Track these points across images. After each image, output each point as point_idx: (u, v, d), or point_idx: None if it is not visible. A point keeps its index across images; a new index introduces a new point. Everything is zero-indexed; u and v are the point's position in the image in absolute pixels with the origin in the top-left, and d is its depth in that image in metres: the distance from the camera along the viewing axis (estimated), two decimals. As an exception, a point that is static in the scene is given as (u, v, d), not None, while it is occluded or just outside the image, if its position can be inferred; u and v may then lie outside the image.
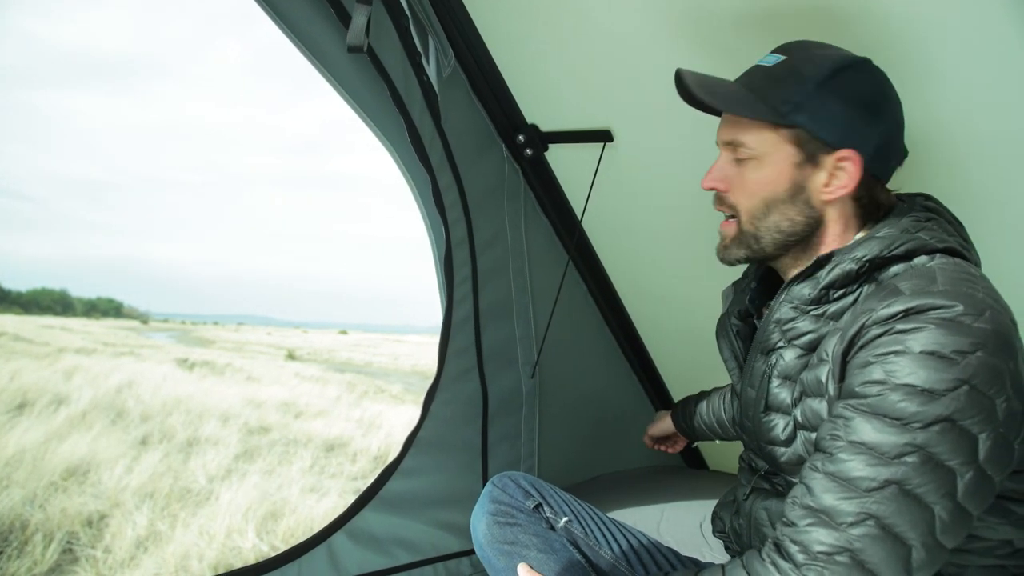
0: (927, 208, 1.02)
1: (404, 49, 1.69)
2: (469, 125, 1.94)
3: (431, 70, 1.74)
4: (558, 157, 2.03)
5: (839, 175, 0.99)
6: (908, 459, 0.80)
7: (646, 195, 1.95)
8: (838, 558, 0.80)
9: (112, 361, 11.32)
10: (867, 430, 0.83)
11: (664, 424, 1.83)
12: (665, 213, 1.94)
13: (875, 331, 0.86)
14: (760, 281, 1.20)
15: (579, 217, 2.05)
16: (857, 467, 0.82)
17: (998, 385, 0.81)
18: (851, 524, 0.81)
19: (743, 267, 1.33)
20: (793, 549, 0.84)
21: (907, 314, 0.84)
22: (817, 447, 0.89)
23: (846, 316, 0.95)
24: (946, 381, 0.80)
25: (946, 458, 0.80)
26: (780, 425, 1.03)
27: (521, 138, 1.97)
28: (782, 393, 1.03)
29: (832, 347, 0.93)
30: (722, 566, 0.93)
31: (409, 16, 1.66)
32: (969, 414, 0.80)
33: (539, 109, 1.94)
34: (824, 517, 0.83)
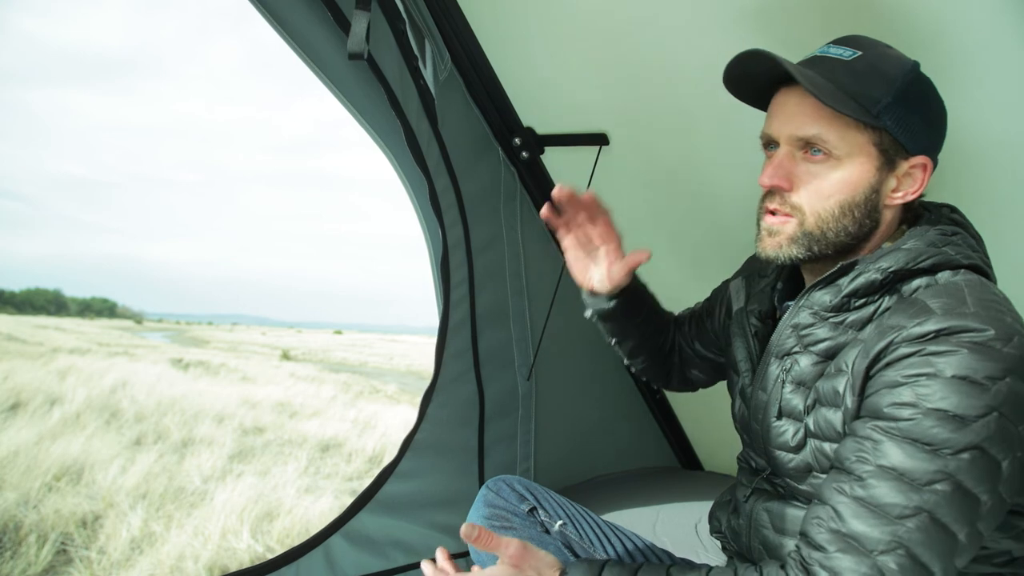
0: (953, 221, 1.00)
1: (401, 53, 1.69)
2: (465, 128, 1.94)
3: (428, 74, 1.74)
4: (554, 160, 2.04)
5: (908, 181, 0.97)
6: (938, 487, 0.80)
7: (642, 198, 1.95)
8: None
9: (106, 361, 11.29)
10: (898, 455, 0.82)
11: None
12: (660, 216, 1.95)
13: (905, 350, 0.85)
14: (786, 282, 1.16)
15: (575, 220, 2.06)
16: (888, 493, 0.82)
17: (1022, 411, 0.81)
18: (881, 552, 0.81)
19: (739, 262, 1.34)
20: (823, 575, 0.84)
21: (939, 335, 0.83)
22: (842, 467, 0.88)
23: (869, 329, 0.93)
24: (977, 408, 0.80)
25: (973, 485, 0.80)
26: (790, 431, 1.02)
27: (517, 141, 1.97)
28: (795, 399, 1.02)
29: (853, 359, 0.92)
30: (734, 570, 0.93)
31: (406, 20, 1.66)
32: (997, 441, 0.80)
33: (535, 112, 1.95)
34: (853, 543, 0.83)
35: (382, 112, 1.73)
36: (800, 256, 1.00)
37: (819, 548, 0.86)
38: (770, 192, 1.02)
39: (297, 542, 1.76)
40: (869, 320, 0.95)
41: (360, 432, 6.80)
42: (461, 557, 1.94)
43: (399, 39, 1.68)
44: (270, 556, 1.74)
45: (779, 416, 1.04)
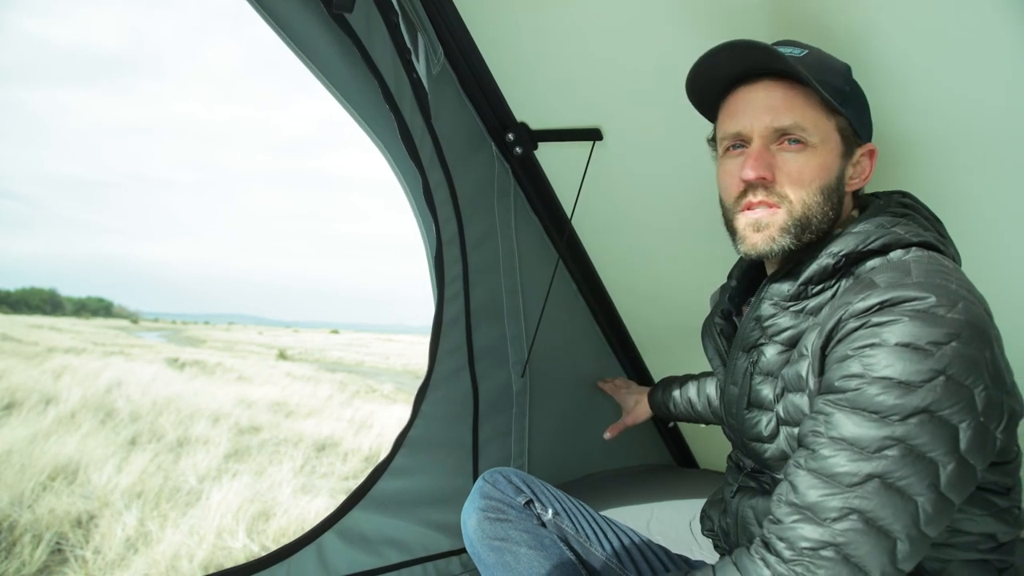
0: (903, 204, 1.04)
1: (394, 46, 1.68)
2: (459, 123, 1.93)
3: (421, 68, 1.74)
4: (548, 156, 2.03)
5: (859, 168, 1.04)
6: (889, 452, 0.81)
7: (636, 194, 1.95)
8: (823, 553, 0.81)
9: (101, 361, 11.28)
10: (847, 425, 0.84)
11: (641, 410, 1.97)
12: (655, 212, 1.94)
13: (851, 324, 0.87)
14: (739, 280, 1.22)
15: (569, 215, 2.05)
16: (839, 463, 0.83)
17: (975, 374, 0.82)
18: (835, 519, 0.81)
19: (734, 257, 1.34)
20: (780, 546, 0.84)
21: (882, 307, 0.86)
22: (800, 443, 0.90)
23: (824, 311, 0.96)
24: (922, 372, 0.81)
25: (927, 449, 0.81)
26: (763, 421, 1.04)
27: (511, 136, 1.97)
28: (764, 389, 1.04)
29: (811, 342, 0.95)
30: (712, 566, 0.93)
31: (399, 13, 1.65)
32: (947, 404, 0.81)
33: (529, 107, 1.94)
34: (808, 513, 0.83)
35: (376, 106, 1.73)
36: (790, 246, 1.02)
37: (777, 521, 0.87)
38: (748, 188, 1.02)
39: (291, 541, 1.75)
40: (826, 304, 0.98)
41: (356, 432, 6.80)
42: (456, 554, 1.94)
43: (392, 32, 1.67)
44: (264, 555, 1.73)
45: (748, 407, 1.06)
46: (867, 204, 1.06)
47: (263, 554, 1.70)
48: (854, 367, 0.85)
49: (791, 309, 1.01)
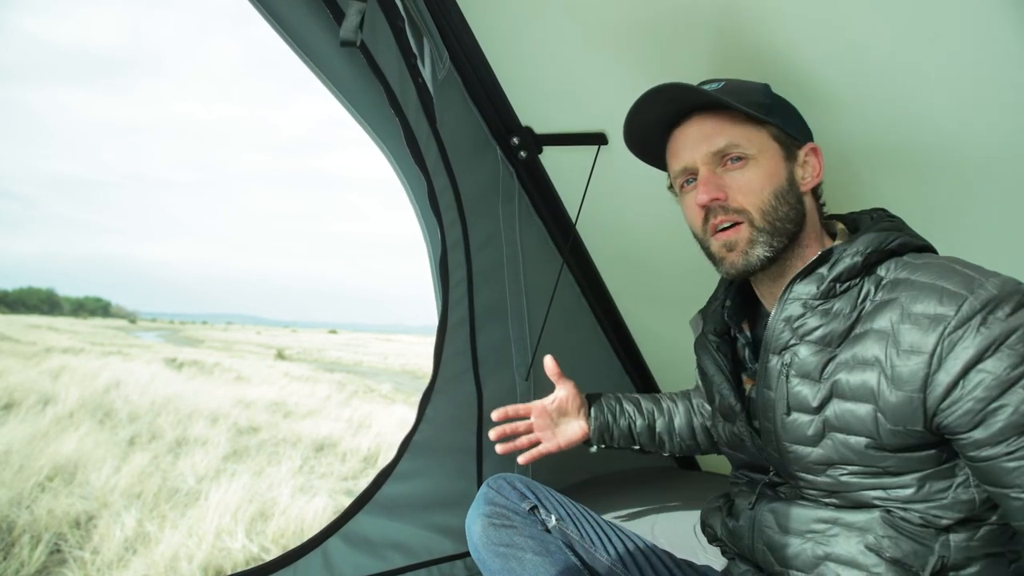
0: (891, 217, 1.10)
1: (400, 51, 1.68)
2: (464, 127, 1.94)
3: (426, 72, 1.74)
4: (552, 160, 2.03)
5: (808, 167, 1.10)
6: None
7: (640, 198, 1.95)
8: None
9: (100, 361, 11.25)
10: None
11: (571, 431, 1.64)
12: (659, 216, 1.94)
13: (965, 335, 0.89)
14: (733, 298, 1.25)
15: (573, 220, 2.05)
16: None
17: None
18: None
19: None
20: None
21: (986, 306, 0.89)
22: (996, 448, 0.89)
23: (881, 319, 0.97)
24: None
25: None
26: (806, 424, 1.03)
27: (515, 140, 1.97)
28: (804, 391, 1.03)
29: (885, 353, 0.95)
30: None
31: (405, 18, 1.65)
32: None
33: (534, 112, 1.94)
34: None
35: (381, 110, 1.73)
36: (767, 255, 1.07)
37: None
38: (708, 212, 1.09)
39: (292, 542, 1.75)
40: (856, 305, 1.00)
41: (355, 432, 6.79)
42: (461, 558, 1.94)
43: (398, 37, 1.67)
44: (265, 556, 1.73)
45: (789, 411, 1.06)
46: (856, 220, 1.12)
47: (262, 555, 1.69)
48: (1008, 359, 0.87)
49: (819, 308, 1.03)
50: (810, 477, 1.04)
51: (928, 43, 1.20)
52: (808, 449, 1.03)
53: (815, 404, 1.02)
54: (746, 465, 1.19)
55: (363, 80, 1.70)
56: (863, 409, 0.97)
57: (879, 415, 0.95)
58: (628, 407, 1.62)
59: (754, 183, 1.06)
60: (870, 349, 0.97)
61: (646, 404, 1.63)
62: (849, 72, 1.32)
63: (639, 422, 1.61)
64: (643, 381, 2.51)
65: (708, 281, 1.72)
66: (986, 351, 0.87)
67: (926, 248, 1.04)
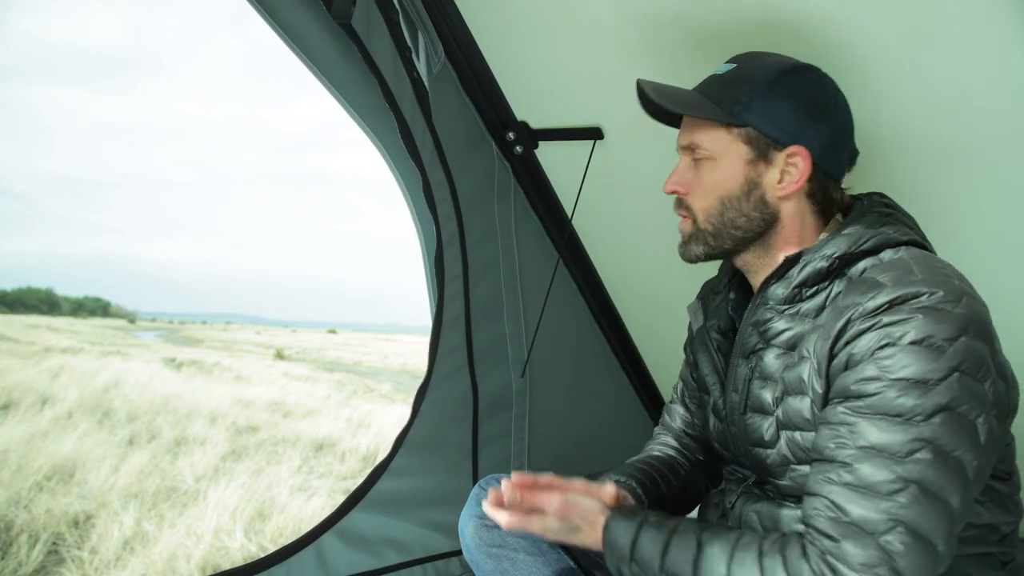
0: (885, 205, 1.05)
1: (395, 45, 1.68)
2: (459, 122, 1.93)
3: (421, 66, 1.73)
4: (548, 155, 2.02)
5: (790, 171, 1.02)
6: (919, 455, 0.81)
7: (636, 193, 1.94)
8: (879, 571, 0.80)
9: (99, 360, 11.26)
10: (872, 432, 0.83)
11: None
12: (655, 211, 1.93)
13: (861, 325, 0.88)
14: (737, 292, 1.21)
15: (569, 215, 2.05)
16: (873, 472, 0.82)
17: (984, 368, 0.84)
18: (883, 533, 0.81)
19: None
20: (840, 568, 0.83)
21: (891, 304, 0.86)
22: (823, 456, 0.89)
23: (825, 313, 0.96)
24: (938, 370, 0.82)
25: (952, 448, 0.81)
26: (763, 426, 1.03)
27: (511, 135, 1.96)
28: (764, 393, 1.03)
29: (814, 344, 0.94)
30: (759, 541, 0.91)
31: (399, 11, 1.65)
32: (964, 400, 0.82)
33: (529, 106, 1.93)
34: (855, 529, 0.82)
35: (376, 106, 1.72)
36: (701, 253, 1.10)
37: (824, 537, 0.85)
38: (676, 199, 1.12)
39: (291, 542, 1.74)
40: (823, 306, 0.97)
41: (354, 431, 6.80)
42: (456, 555, 1.93)
43: (392, 31, 1.67)
44: (263, 556, 1.73)
45: (748, 411, 1.06)
46: (851, 206, 1.08)
47: (261, 554, 1.69)
48: (870, 370, 0.85)
49: (786, 312, 1.01)
50: (775, 480, 1.04)
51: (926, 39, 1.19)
52: (767, 451, 1.03)
53: (771, 404, 1.02)
54: (735, 461, 1.18)
55: (358, 75, 1.69)
56: (802, 402, 0.96)
57: (813, 406, 0.94)
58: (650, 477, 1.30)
59: (706, 185, 1.06)
60: (808, 342, 0.96)
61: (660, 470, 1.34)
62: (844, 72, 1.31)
63: (664, 491, 1.29)
64: (640, 377, 2.50)
65: (705, 276, 1.72)
66: (879, 346, 0.85)
67: (911, 243, 0.99)
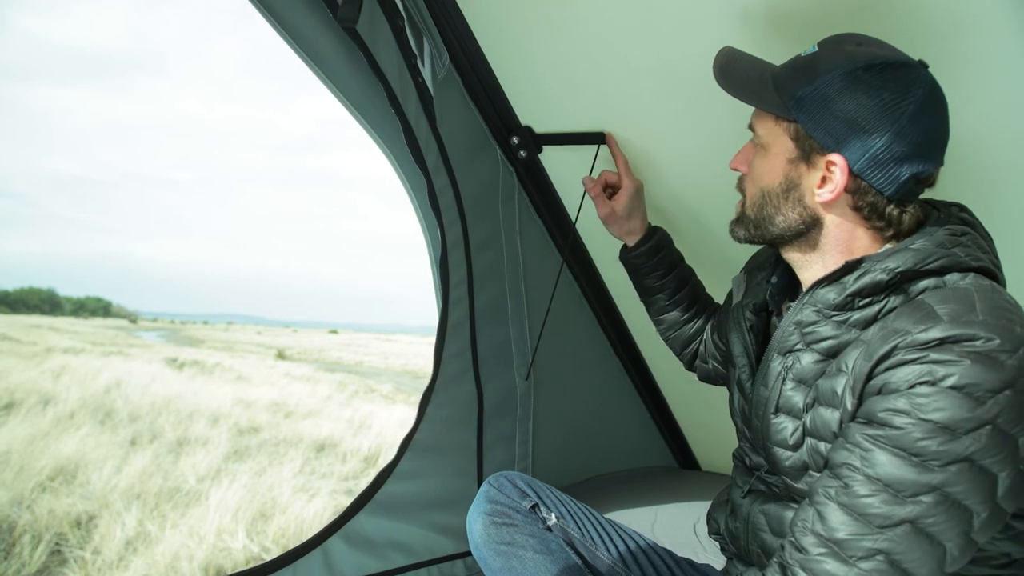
0: (963, 221, 0.97)
1: (400, 50, 1.68)
2: (464, 127, 1.93)
3: (426, 72, 1.74)
4: (552, 159, 2.03)
5: (830, 179, 0.96)
6: (924, 499, 0.79)
7: (641, 198, 1.95)
8: None
9: (100, 361, 11.26)
10: (885, 465, 0.82)
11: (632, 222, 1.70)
12: (659, 216, 1.94)
13: (906, 355, 0.84)
14: (780, 276, 1.16)
15: (573, 219, 2.05)
16: (873, 503, 0.82)
17: (1022, 423, 0.79)
18: (861, 558, 0.81)
19: (739, 261, 1.34)
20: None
21: (943, 343, 0.81)
22: (831, 470, 0.88)
23: (873, 330, 0.92)
24: (971, 421, 0.78)
25: (963, 497, 0.79)
26: (789, 428, 1.01)
27: (515, 140, 1.96)
28: (795, 396, 1.01)
29: (855, 360, 0.91)
30: None
31: (404, 17, 1.65)
32: (990, 454, 0.78)
33: (533, 111, 1.94)
34: (836, 549, 0.83)
35: (381, 111, 1.73)
36: (742, 238, 1.11)
37: (802, 550, 0.86)
38: (739, 176, 1.14)
39: (292, 542, 1.75)
40: (873, 319, 0.93)
41: (355, 432, 6.80)
42: (461, 557, 1.94)
43: (398, 36, 1.67)
44: (265, 556, 1.74)
45: (776, 412, 1.03)
46: (926, 215, 0.99)
47: (263, 555, 1.70)
48: (901, 403, 0.82)
49: (834, 319, 0.97)
50: (790, 481, 1.02)
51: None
52: (788, 453, 1.01)
53: (801, 409, 1.00)
54: (748, 440, 1.16)
55: (363, 80, 1.70)
56: (832, 415, 0.93)
57: (842, 421, 0.92)
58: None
59: (754, 172, 1.07)
60: (849, 356, 0.92)
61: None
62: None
63: (687, 270, 1.69)
64: (644, 382, 2.50)
65: (709, 279, 1.73)
66: (919, 381, 0.81)
67: (982, 270, 0.91)
